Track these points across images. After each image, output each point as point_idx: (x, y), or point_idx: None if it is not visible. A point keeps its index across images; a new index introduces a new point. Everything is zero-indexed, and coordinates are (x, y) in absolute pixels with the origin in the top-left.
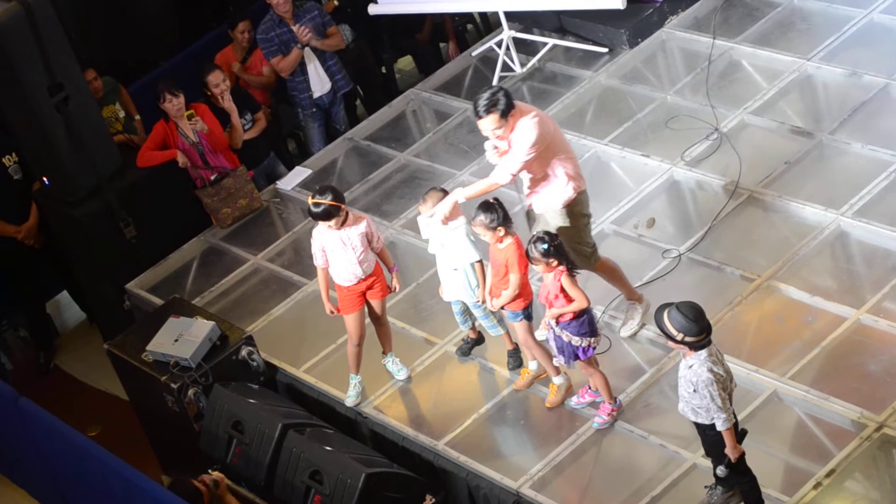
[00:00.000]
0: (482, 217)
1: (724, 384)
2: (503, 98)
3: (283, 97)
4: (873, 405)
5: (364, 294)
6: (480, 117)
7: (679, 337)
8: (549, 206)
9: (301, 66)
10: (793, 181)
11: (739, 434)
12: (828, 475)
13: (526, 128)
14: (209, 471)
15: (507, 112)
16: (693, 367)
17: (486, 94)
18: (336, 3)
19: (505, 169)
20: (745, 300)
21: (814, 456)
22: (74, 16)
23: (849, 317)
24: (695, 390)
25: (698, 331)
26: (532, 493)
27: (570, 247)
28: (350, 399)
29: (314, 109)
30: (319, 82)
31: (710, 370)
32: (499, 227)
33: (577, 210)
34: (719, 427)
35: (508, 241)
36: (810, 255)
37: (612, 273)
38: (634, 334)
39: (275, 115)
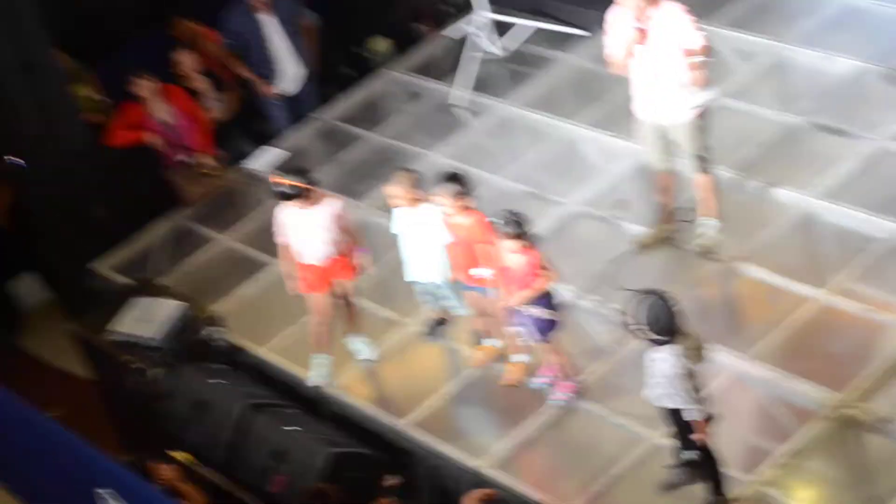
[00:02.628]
0: (451, 186)
1: (693, 375)
2: None
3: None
4: (836, 385)
5: (330, 274)
6: None
7: (645, 329)
8: (685, 113)
9: (270, 56)
10: (764, 162)
11: (708, 419)
12: (790, 455)
13: (679, 11)
14: (172, 453)
15: None
16: (660, 360)
17: None
18: None
19: (695, 35)
20: (712, 280)
21: (776, 435)
22: None
23: (814, 297)
24: (663, 379)
25: (661, 332)
26: (494, 472)
27: (699, 154)
28: (313, 378)
29: (275, 100)
30: (287, 73)
31: (678, 365)
32: (466, 198)
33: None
34: (691, 417)
35: (473, 214)
36: (778, 235)
37: (711, 189)
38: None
39: (242, 94)
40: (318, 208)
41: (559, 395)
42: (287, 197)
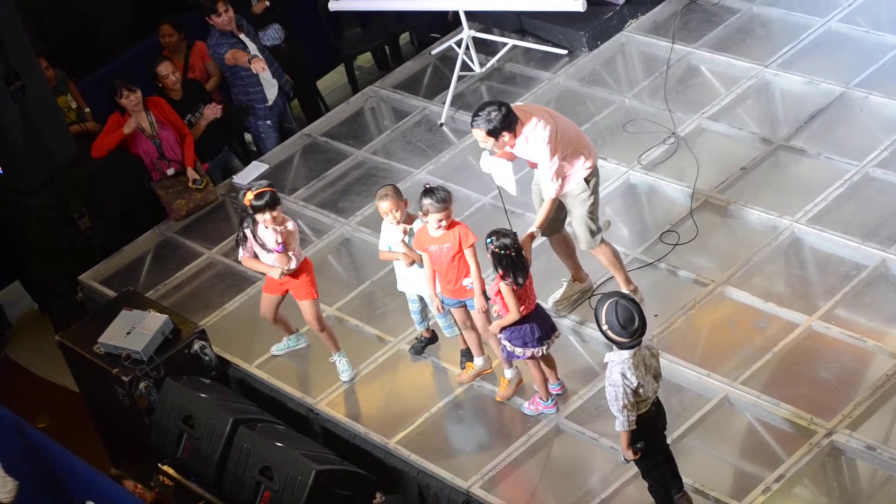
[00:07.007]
0: (433, 199)
1: (635, 391)
2: (497, 116)
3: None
4: (823, 412)
5: (284, 287)
6: (473, 127)
7: (604, 327)
8: (571, 186)
9: (255, 78)
10: (748, 187)
11: (639, 448)
12: (777, 480)
13: (537, 139)
14: (159, 464)
15: (498, 132)
16: (610, 365)
17: (484, 108)
18: (267, 3)
19: (549, 184)
20: (699, 305)
21: (763, 461)
22: (28, 4)
23: (801, 323)
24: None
25: (623, 334)
26: (482, 492)
27: (581, 222)
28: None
29: (269, 122)
30: (271, 87)
31: (623, 374)
32: (448, 210)
33: (591, 183)
34: (616, 427)
35: (456, 226)
36: (764, 261)
37: (613, 258)
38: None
39: (228, 112)
40: (273, 228)
41: (532, 406)
42: (268, 205)
